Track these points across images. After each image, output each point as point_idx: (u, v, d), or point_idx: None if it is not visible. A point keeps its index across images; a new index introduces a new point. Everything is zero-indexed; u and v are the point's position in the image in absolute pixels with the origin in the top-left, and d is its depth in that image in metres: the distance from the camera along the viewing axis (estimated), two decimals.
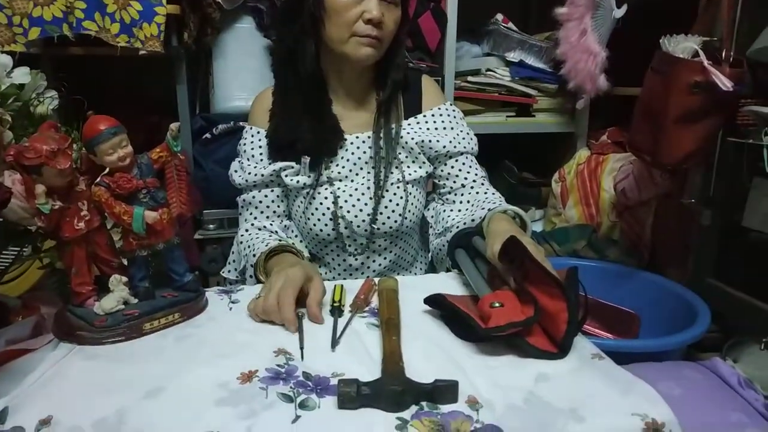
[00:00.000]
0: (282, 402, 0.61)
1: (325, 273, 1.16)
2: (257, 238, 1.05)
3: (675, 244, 1.51)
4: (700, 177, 1.42)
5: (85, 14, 1.41)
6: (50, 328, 0.79)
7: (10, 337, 0.79)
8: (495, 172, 1.99)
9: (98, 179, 0.77)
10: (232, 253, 1.14)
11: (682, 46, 1.19)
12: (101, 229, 0.79)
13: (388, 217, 1.09)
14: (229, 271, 1.14)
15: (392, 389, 0.60)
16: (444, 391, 0.60)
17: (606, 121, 1.91)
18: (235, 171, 1.14)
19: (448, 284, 0.95)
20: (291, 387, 0.64)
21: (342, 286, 0.89)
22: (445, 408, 0.59)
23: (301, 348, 0.73)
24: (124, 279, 0.79)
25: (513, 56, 1.80)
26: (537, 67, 1.81)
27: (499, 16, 1.82)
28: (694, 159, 1.25)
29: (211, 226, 1.72)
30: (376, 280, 0.93)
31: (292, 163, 1.08)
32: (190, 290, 0.84)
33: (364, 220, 1.09)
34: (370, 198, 1.08)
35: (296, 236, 1.15)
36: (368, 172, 1.10)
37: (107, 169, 0.77)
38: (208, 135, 1.66)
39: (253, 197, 1.11)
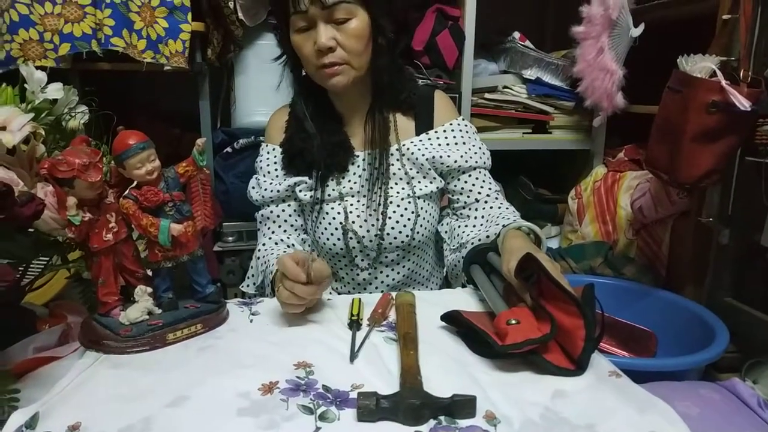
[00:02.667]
0: (302, 414, 0.62)
1: (340, 288, 1.18)
2: (271, 253, 1.07)
3: (692, 262, 1.50)
4: (718, 196, 1.41)
5: (113, 31, 1.45)
6: (76, 336, 0.81)
7: (38, 344, 0.82)
8: (511, 188, 2.00)
9: (126, 192, 0.79)
10: (251, 267, 1.16)
11: (699, 65, 1.19)
12: (128, 240, 0.81)
13: (400, 232, 1.10)
14: (248, 286, 1.16)
15: (411, 403, 0.60)
16: (462, 406, 0.61)
17: (623, 139, 1.92)
18: (253, 188, 1.16)
19: (464, 300, 0.96)
20: (311, 399, 0.65)
21: (360, 299, 0.90)
22: (463, 423, 0.60)
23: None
24: (149, 290, 0.81)
25: (530, 74, 1.82)
26: (553, 84, 1.82)
27: (516, 34, 1.84)
28: (711, 178, 1.25)
29: (231, 238, 1.74)
30: (394, 294, 0.94)
31: (306, 178, 1.11)
32: (212, 302, 0.86)
33: (376, 235, 1.10)
34: (382, 213, 1.10)
35: (313, 250, 1.16)
36: (379, 188, 1.10)
37: (135, 183, 0.79)
38: (229, 149, 1.69)
39: (271, 212, 1.14)
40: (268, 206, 1.14)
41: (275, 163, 1.14)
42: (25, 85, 0.90)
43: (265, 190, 1.12)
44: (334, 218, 1.10)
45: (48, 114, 0.92)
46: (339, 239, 1.10)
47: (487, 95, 1.82)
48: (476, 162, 1.13)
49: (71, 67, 1.55)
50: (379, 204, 1.10)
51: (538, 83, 1.82)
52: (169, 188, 0.81)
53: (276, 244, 1.12)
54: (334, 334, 0.82)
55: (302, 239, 1.15)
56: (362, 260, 1.13)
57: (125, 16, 1.46)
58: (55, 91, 0.91)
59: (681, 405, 0.86)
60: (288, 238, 1.13)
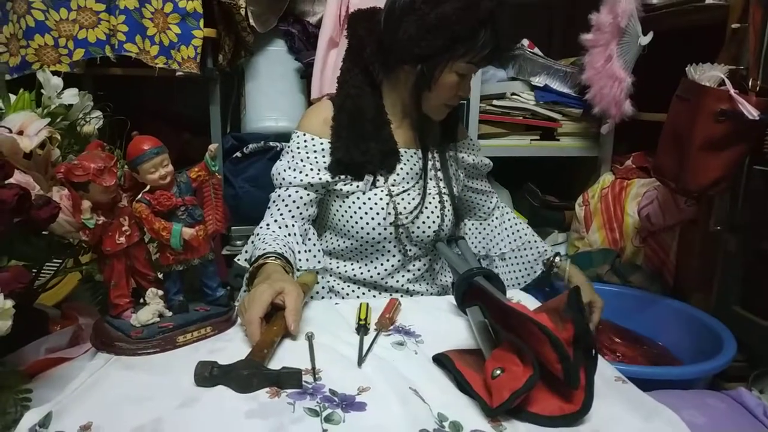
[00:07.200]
0: (308, 416, 0.63)
1: (364, 271, 1.20)
2: (264, 240, 1.05)
3: (700, 270, 1.50)
4: (726, 204, 1.41)
5: (126, 37, 1.48)
6: (87, 338, 0.83)
7: (49, 345, 0.83)
8: (518, 194, 2.00)
9: (140, 196, 0.80)
10: (250, 242, 1.16)
11: (708, 74, 1.20)
12: (140, 243, 0.83)
13: (446, 224, 1.22)
14: (244, 260, 1.17)
15: (239, 372, 0.67)
16: (288, 377, 0.67)
17: (631, 146, 1.92)
18: (285, 170, 1.15)
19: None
20: (317, 402, 0.66)
21: (367, 304, 0.91)
22: (468, 427, 0.61)
23: (313, 368, 0.73)
24: (160, 292, 0.82)
25: (538, 81, 1.82)
26: (562, 91, 1.83)
27: (525, 41, 1.85)
28: (719, 186, 1.25)
29: (239, 242, 1.76)
30: (399, 297, 0.95)
31: (349, 176, 1.15)
32: (221, 305, 0.87)
33: (429, 227, 1.19)
34: (436, 206, 1.20)
35: (314, 244, 1.16)
36: (418, 182, 1.20)
37: (148, 187, 0.81)
38: (238, 154, 1.71)
39: (288, 195, 1.13)
40: (287, 189, 1.14)
41: (314, 153, 1.14)
42: (42, 91, 0.92)
43: (300, 173, 1.13)
44: (381, 208, 1.14)
45: (63, 119, 0.94)
46: (380, 225, 1.15)
47: (495, 102, 1.83)
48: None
49: (84, 71, 1.58)
50: (430, 196, 1.20)
51: (546, 90, 1.83)
52: (181, 193, 0.82)
53: (279, 228, 1.11)
54: (342, 339, 0.82)
55: (305, 229, 1.15)
56: (410, 250, 1.20)
57: (139, 23, 1.49)
58: (71, 96, 0.93)
59: (687, 413, 0.86)
60: (293, 225, 1.13)
